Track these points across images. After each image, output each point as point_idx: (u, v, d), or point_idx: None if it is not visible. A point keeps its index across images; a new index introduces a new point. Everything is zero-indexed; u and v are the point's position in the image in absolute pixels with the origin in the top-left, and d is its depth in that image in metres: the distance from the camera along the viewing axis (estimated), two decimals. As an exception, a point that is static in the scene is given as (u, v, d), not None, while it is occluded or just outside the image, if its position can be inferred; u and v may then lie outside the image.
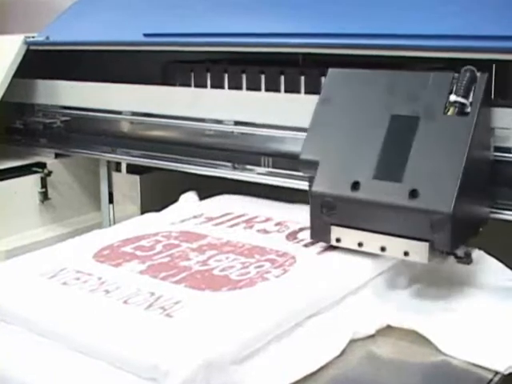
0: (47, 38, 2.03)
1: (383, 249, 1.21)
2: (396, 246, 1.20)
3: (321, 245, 1.30)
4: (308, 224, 1.29)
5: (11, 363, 1.01)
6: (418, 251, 1.17)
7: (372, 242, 1.22)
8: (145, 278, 1.15)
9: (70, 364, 0.97)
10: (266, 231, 1.40)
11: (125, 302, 1.06)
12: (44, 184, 2.07)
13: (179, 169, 1.79)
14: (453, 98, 1.22)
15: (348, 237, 1.24)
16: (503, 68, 1.42)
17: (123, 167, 2.11)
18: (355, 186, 1.23)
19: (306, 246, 1.30)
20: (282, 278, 1.16)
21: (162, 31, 1.81)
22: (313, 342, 1.05)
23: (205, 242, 1.33)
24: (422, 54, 1.37)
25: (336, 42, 1.46)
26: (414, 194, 1.18)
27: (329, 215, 1.25)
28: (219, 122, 1.67)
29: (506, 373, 1.01)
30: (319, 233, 1.28)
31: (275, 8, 1.70)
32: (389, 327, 1.14)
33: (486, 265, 1.29)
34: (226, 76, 1.80)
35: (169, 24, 1.85)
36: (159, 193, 1.92)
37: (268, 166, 1.62)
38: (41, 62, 2.04)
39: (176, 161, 1.79)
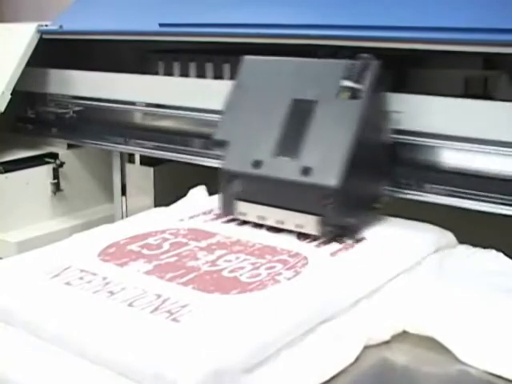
0: (60, 26, 2.01)
1: (280, 222, 1.31)
2: (291, 220, 1.30)
3: (333, 245, 1.26)
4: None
5: (10, 366, 0.98)
6: (310, 224, 1.27)
7: (271, 215, 1.32)
8: (151, 279, 1.11)
9: (71, 370, 0.94)
10: (276, 230, 1.36)
11: (129, 304, 1.02)
12: (56, 175, 2.05)
13: (193, 161, 1.75)
14: (345, 83, 1.33)
15: (251, 211, 1.35)
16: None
17: (137, 158, 2.09)
18: (257, 163, 1.34)
19: (318, 246, 1.26)
20: (294, 281, 1.11)
21: (177, 21, 1.77)
22: (325, 349, 1.01)
23: (214, 241, 1.28)
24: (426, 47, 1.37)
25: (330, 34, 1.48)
26: (306, 170, 1.28)
27: (234, 191, 1.36)
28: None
29: (528, 385, 0.97)
30: (227, 207, 1.39)
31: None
32: (405, 333, 1.09)
33: (506, 268, 1.25)
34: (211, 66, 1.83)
35: (185, 14, 1.81)
36: (174, 185, 1.89)
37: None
38: (54, 51, 2.02)
39: (190, 153, 1.76)
